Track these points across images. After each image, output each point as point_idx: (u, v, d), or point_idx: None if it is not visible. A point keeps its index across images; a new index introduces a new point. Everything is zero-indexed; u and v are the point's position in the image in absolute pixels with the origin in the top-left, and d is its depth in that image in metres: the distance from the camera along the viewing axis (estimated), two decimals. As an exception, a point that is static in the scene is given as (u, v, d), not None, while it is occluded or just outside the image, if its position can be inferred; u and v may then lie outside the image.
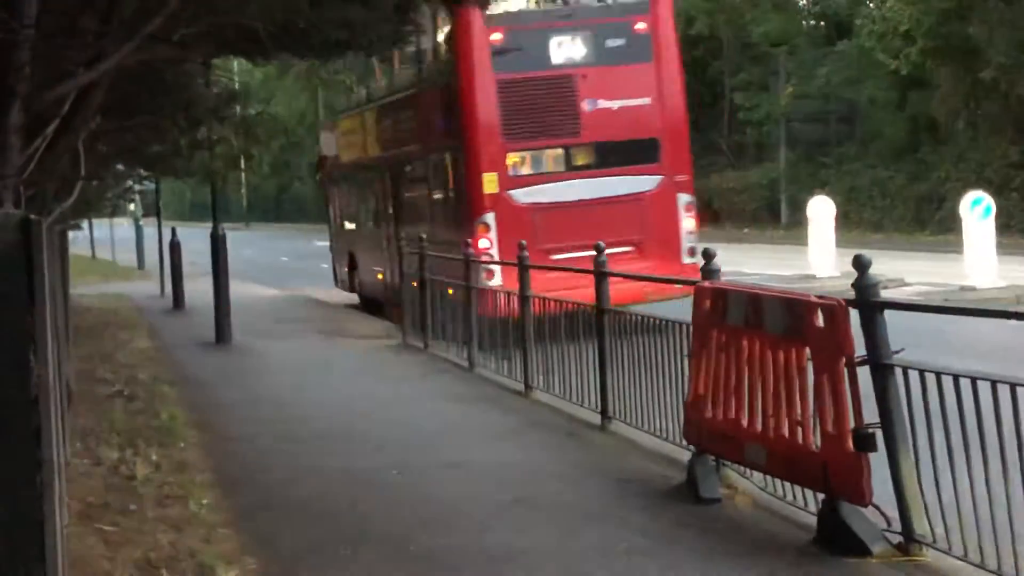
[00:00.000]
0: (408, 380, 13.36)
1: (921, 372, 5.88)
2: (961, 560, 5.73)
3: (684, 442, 7.95)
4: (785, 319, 6.71)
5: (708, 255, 8.09)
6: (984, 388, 5.45)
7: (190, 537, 6.77)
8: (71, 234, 16.75)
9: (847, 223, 32.69)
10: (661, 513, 7.23)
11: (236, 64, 22.48)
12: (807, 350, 6.48)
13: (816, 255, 21.87)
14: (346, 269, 22.91)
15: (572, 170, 16.24)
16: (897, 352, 6.11)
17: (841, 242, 22.38)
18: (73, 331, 14.02)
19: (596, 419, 9.91)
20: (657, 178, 16.39)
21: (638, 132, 16.27)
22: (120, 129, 8.18)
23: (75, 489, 7.54)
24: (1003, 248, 19.95)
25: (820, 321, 6.37)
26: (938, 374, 5.78)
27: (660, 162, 16.43)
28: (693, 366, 7.66)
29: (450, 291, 14.55)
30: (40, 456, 3.31)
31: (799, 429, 6.54)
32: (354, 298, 22.81)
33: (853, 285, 6.29)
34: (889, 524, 6.17)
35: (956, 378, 5.65)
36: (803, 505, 6.83)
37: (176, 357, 15.61)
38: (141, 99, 7.62)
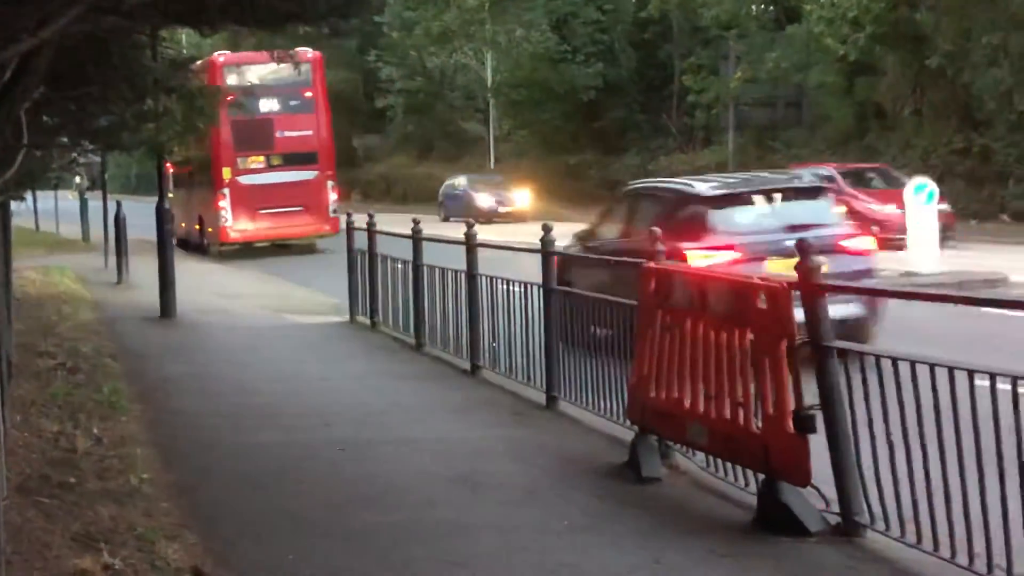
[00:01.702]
0: (355, 357, 13.33)
1: (861, 355, 5.94)
2: (898, 540, 5.81)
3: (628, 422, 8.00)
4: (729, 301, 6.76)
5: (653, 236, 8.13)
6: (923, 371, 5.52)
7: (131, 511, 6.73)
8: (14, 206, 16.55)
9: (793, 207, 32.80)
10: (603, 491, 7.27)
11: (184, 36, 24.05)
12: (749, 332, 6.53)
13: (762, 238, 21.96)
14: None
15: (271, 167, 29.72)
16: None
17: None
18: (15, 303, 13.87)
19: (542, 399, 9.94)
20: (315, 172, 29.94)
21: (305, 148, 29.81)
22: (64, 99, 8.07)
23: (14, 462, 7.47)
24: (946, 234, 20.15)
25: (763, 303, 6.42)
26: (877, 357, 5.84)
27: (317, 164, 30.03)
28: (637, 347, 7.70)
29: (209, 228, 30.39)
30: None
31: (741, 410, 6.59)
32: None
33: (796, 268, 6.34)
34: (828, 505, 6.25)
35: (895, 361, 5.72)
36: (744, 485, 6.89)
37: (120, 330, 15.47)
38: (87, 70, 7.51)
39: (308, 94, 29.77)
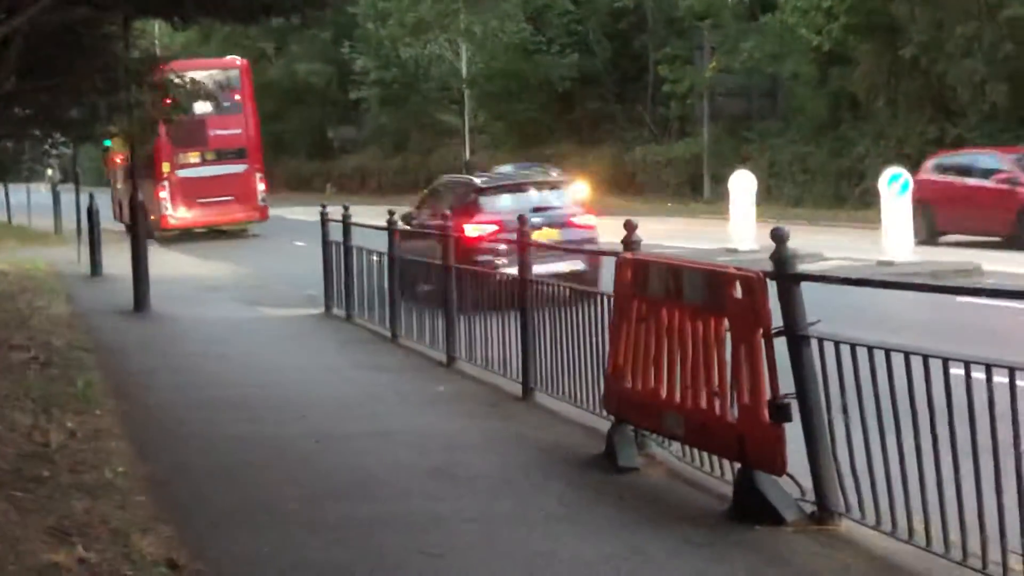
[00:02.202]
0: (330, 349, 13.30)
1: (836, 344, 5.95)
2: (873, 529, 5.83)
3: (604, 412, 8.00)
4: (704, 291, 6.76)
5: (630, 227, 8.12)
6: (897, 360, 5.53)
7: (104, 504, 6.69)
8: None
9: (769, 198, 33.00)
10: (579, 482, 7.27)
11: (157, 28, 23.98)
12: (725, 321, 6.53)
13: (737, 228, 22.05)
14: (117, 210, 37.63)
15: (205, 162, 33.36)
16: (813, 324, 6.18)
17: (763, 216, 22.57)
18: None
19: (518, 390, 9.93)
20: (245, 166, 33.75)
21: (236, 145, 33.62)
22: (36, 91, 8.02)
23: (-13, 456, 7.42)
24: (920, 224, 20.19)
25: (738, 293, 6.42)
26: (853, 346, 5.85)
27: (246, 158, 33.87)
28: (613, 336, 7.70)
29: (151, 216, 29.11)
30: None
31: (716, 399, 6.59)
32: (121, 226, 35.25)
33: (771, 257, 6.34)
34: (803, 494, 6.26)
35: (870, 350, 5.73)
36: (720, 475, 6.90)
37: (94, 324, 15.39)
38: (59, 61, 7.47)
39: (237, 96, 33.51)
